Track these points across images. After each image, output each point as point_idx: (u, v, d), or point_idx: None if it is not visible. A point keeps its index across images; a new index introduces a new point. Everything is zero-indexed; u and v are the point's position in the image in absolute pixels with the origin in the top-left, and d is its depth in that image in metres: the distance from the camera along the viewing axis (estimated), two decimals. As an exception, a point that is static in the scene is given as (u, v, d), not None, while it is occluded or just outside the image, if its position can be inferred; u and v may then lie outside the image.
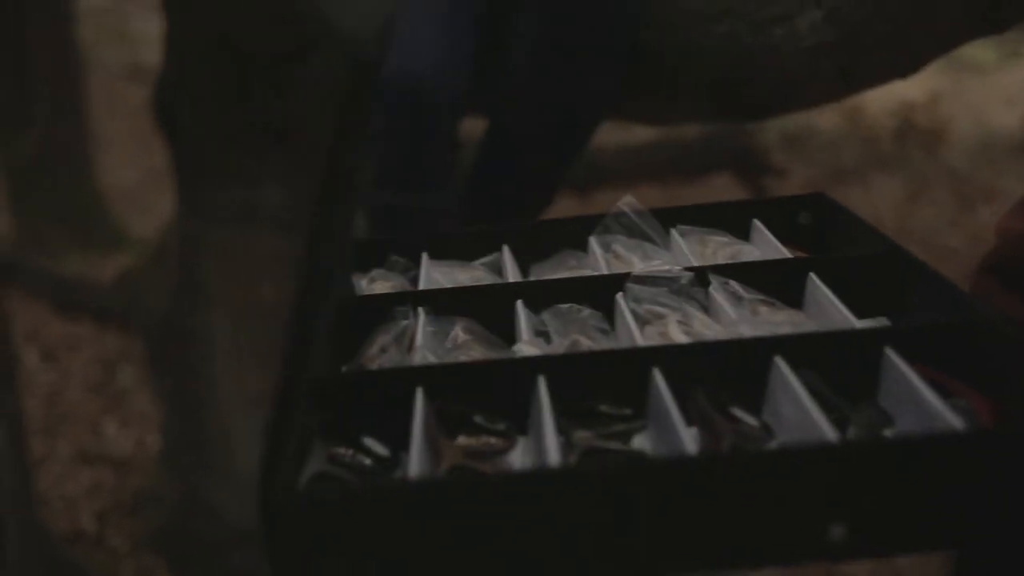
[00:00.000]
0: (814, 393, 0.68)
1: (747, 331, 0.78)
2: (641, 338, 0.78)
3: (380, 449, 0.69)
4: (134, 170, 1.88)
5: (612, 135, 1.54)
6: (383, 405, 0.72)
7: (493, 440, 0.70)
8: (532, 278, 1.03)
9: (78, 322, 3.29)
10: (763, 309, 0.85)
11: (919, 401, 0.66)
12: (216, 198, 1.86)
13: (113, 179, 3.69)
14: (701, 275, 0.88)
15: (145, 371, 2.39)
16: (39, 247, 3.49)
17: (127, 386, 3.03)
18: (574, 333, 0.81)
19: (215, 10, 1.77)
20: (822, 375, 0.71)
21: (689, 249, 1.00)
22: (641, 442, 0.69)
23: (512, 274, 1.00)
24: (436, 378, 0.73)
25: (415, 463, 0.64)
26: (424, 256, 1.05)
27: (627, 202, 1.06)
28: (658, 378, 0.71)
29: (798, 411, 0.66)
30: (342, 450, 0.68)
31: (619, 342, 0.82)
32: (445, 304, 0.89)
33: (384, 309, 0.89)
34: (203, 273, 1.93)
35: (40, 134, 2.73)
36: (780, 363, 0.71)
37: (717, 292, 0.86)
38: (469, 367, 0.74)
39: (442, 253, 1.07)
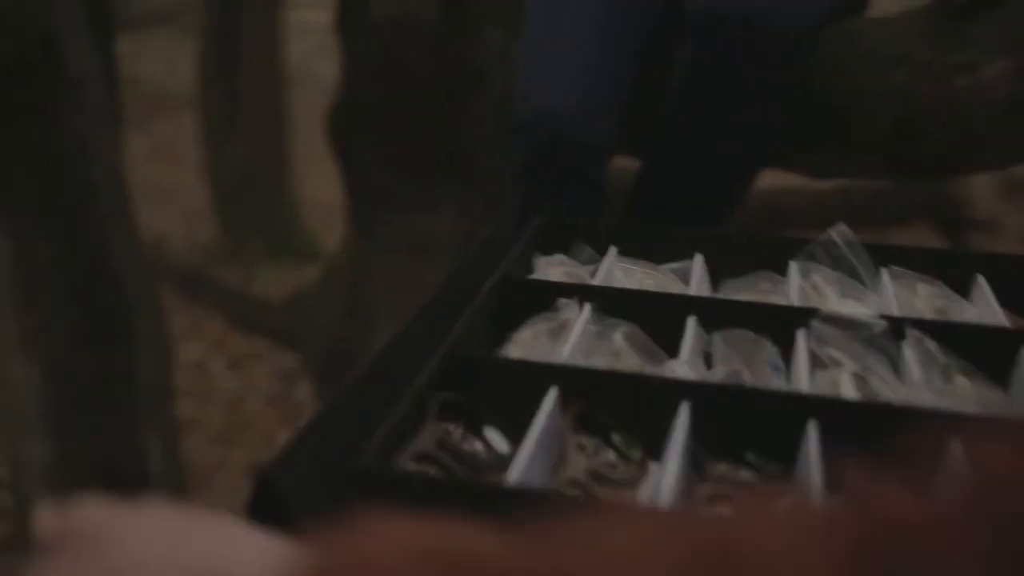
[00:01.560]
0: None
1: (928, 400, 0.69)
2: (807, 383, 0.71)
3: (500, 443, 0.65)
4: (336, 185, 1.92)
5: (794, 178, 1.40)
6: (515, 396, 0.68)
7: (624, 466, 0.65)
8: (721, 293, 0.97)
9: (256, 336, 3.36)
10: (960, 379, 0.75)
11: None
12: (387, 223, 1.90)
13: (314, 193, 3.74)
14: (897, 326, 0.80)
15: (319, 388, 2.44)
16: (236, 256, 3.58)
17: (304, 400, 3.07)
18: (738, 362, 0.75)
19: (391, 48, 1.80)
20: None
21: (895, 294, 0.91)
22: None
23: (699, 285, 0.94)
24: (574, 380, 0.69)
25: (524, 464, 0.60)
26: (612, 250, 1.01)
27: (840, 231, 0.98)
28: (812, 432, 0.64)
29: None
30: (458, 434, 0.64)
31: (785, 383, 0.75)
32: (615, 305, 0.84)
33: (550, 297, 0.85)
34: (371, 297, 1.97)
35: (247, 147, 2.80)
36: (956, 447, 0.63)
37: (910, 349, 0.78)
38: (610, 375, 0.69)
39: (632, 250, 1.02)
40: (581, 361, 0.74)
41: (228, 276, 3.49)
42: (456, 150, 1.88)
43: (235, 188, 3.20)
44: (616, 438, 0.65)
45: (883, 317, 0.81)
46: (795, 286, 0.92)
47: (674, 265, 1.00)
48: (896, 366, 0.78)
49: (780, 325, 0.81)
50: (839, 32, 1.27)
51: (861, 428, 0.65)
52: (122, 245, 1.92)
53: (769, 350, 0.80)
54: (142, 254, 2.04)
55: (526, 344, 0.77)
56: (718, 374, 0.73)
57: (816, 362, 0.77)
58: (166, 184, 3.38)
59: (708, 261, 1.00)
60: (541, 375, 0.69)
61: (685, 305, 0.84)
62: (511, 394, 0.68)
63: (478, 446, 0.65)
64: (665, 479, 0.58)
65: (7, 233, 1.80)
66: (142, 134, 3.52)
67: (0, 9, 1.67)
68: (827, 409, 0.66)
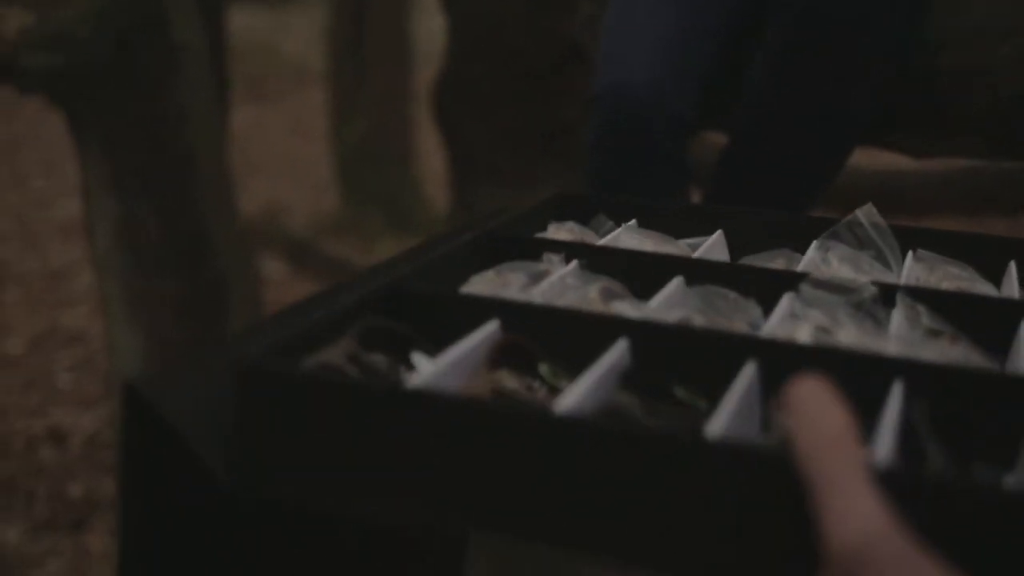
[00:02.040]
0: (909, 427, 0.55)
1: (890, 350, 0.65)
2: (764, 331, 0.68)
3: (426, 367, 0.64)
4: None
5: (916, 161, 1.32)
6: (454, 329, 0.67)
7: (542, 392, 0.62)
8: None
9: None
10: (942, 342, 0.70)
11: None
12: (489, 197, 1.89)
13: (436, 166, 3.75)
14: (889, 293, 0.75)
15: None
16: (356, 227, 3.59)
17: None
18: (701, 314, 0.72)
19: (493, 21, 1.79)
20: (948, 421, 0.58)
21: (914, 273, 0.86)
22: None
23: (705, 253, 0.91)
24: (514, 314, 0.67)
25: (431, 378, 0.59)
26: (631, 222, 0.99)
27: (866, 211, 0.93)
28: (749, 371, 0.61)
29: (876, 438, 0.54)
30: (380, 357, 0.63)
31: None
32: (602, 263, 0.82)
33: (535, 253, 0.84)
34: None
35: (372, 120, 2.83)
36: (897, 388, 0.59)
37: (898, 313, 0.73)
38: (550, 311, 0.67)
39: (652, 224, 0.99)
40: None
41: (347, 247, 3.51)
42: (558, 124, 1.87)
43: (358, 160, 3.24)
44: (543, 368, 0.63)
45: (876, 284, 0.76)
46: (807, 260, 0.88)
47: (691, 240, 0.97)
48: (882, 331, 0.73)
49: (768, 289, 0.78)
50: (945, 2, 1.21)
51: (802, 370, 0.61)
52: (220, 216, 1.98)
53: (753, 311, 0.77)
54: (239, 226, 2.09)
55: (487, 284, 0.76)
56: (670, 318, 0.70)
57: (793, 319, 0.73)
58: (297, 156, 3.46)
59: (730, 237, 0.97)
60: (482, 308, 0.68)
61: (674, 266, 0.81)
62: (450, 327, 0.67)
63: (399, 367, 0.64)
64: (565, 403, 0.56)
65: (114, 200, 1.88)
66: (279, 107, 3.63)
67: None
68: (768, 349, 0.62)
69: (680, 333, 0.64)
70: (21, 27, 1.70)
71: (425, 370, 0.60)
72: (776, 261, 0.93)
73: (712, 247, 0.93)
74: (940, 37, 1.18)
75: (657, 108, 1.18)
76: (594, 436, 0.50)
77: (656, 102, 1.18)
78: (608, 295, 0.78)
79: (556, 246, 0.84)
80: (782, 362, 0.62)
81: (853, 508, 0.41)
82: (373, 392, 0.53)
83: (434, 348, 0.66)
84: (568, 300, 0.76)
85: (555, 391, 0.63)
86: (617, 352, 0.63)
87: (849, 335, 0.68)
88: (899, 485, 0.44)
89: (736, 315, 0.75)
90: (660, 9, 1.24)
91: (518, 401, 0.59)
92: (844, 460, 0.43)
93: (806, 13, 1.13)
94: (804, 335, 0.66)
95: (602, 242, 0.91)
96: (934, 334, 0.71)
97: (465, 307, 0.68)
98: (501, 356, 0.63)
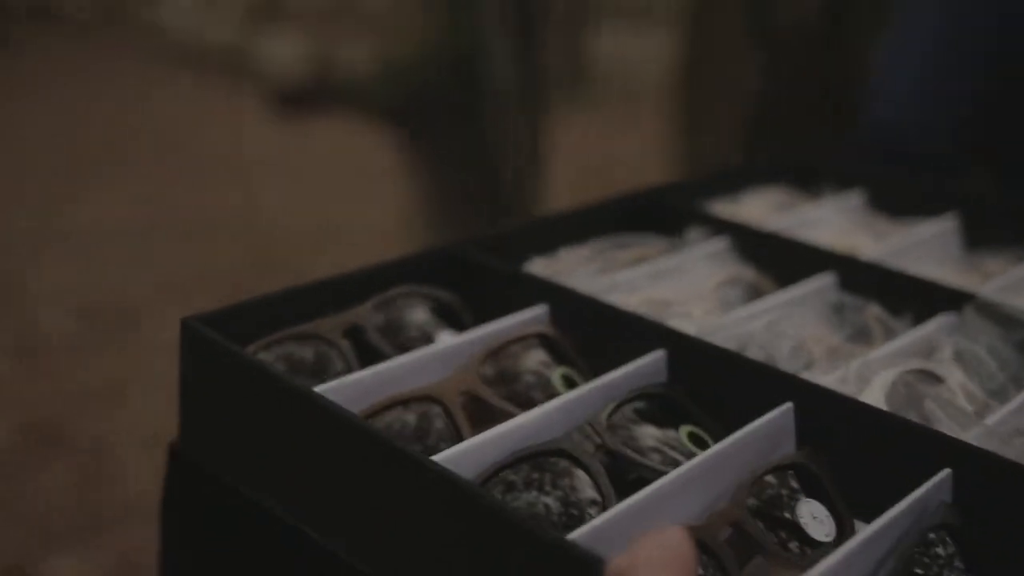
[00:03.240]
0: (923, 544, 0.44)
1: (980, 431, 0.52)
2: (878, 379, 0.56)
3: (444, 341, 0.59)
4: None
5: None
6: (499, 305, 0.62)
7: (544, 394, 0.56)
8: (961, 263, 0.78)
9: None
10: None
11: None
12: None
13: None
14: (1068, 335, 0.60)
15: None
16: None
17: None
18: (795, 333, 0.61)
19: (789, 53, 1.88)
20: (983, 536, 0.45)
21: None
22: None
23: (924, 247, 0.77)
24: (561, 300, 0.61)
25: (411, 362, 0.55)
26: (851, 195, 0.86)
27: None
28: (776, 417, 0.51)
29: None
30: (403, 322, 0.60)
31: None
32: (746, 242, 0.73)
33: (684, 223, 0.76)
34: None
35: (713, 140, 2.76)
36: (942, 477, 0.47)
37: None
38: (596, 307, 0.60)
39: (882, 202, 0.86)
40: (623, 293, 0.65)
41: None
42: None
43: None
44: (555, 374, 0.57)
45: (1057, 320, 0.61)
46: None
47: (917, 222, 0.82)
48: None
49: (923, 302, 0.65)
50: None
51: (842, 436, 0.51)
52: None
53: (895, 331, 0.64)
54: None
55: (573, 259, 0.69)
56: (733, 333, 0.59)
57: (927, 350, 0.60)
58: (647, 173, 3.40)
59: (965, 223, 0.81)
60: (532, 289, 0.62)
61: (826, 259, 0.69)
62: (501, 302, 0.62)
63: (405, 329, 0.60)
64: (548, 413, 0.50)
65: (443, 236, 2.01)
66: (633, 128, 3.55)
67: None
68: (810, 397, 0.52)
69: (721, 358, 0.55)
70: (365, 59, 1.86)
71: (440, 344, 0.56)
72: (996, 259, 0.77)
73: (928, 236, 0.78)
74: None
75: (918, 149, 1.13)
76: (452, 496, 0.44)
77: (917, 143, 1.13)
78: (733, 285, 0.69)
79: (705, 221, 0.75)
80: (822, 419, 0.51)
81: None
82: (271, 383, 0.50)
83: (476, 318, 0.62)
84: (684, 283, 0.68)
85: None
86: (646, 364, 0.55)
87: (956, 388, 0.55)
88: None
89: (871, 334, 0.64)
90: (932, 47, 1.16)
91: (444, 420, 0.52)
92: None
93: None
94: (880, 385, 0.54)
95: (788, 219, 0.80)
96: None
97: (517, 285, 0.63)
98: (526, 346, 0.58)
